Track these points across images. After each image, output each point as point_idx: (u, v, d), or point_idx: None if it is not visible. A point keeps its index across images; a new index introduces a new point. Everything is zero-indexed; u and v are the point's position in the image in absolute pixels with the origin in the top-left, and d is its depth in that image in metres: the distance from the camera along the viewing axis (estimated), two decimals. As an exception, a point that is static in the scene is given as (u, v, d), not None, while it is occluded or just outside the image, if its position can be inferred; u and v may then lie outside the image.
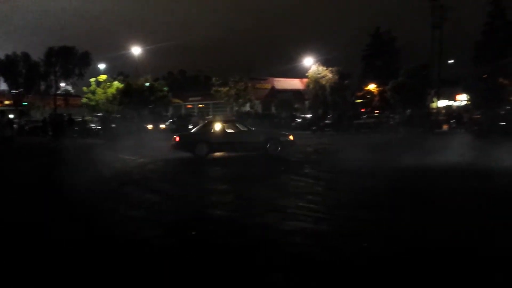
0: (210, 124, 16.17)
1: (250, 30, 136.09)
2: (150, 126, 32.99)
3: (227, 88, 46.24)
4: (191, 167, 13.31)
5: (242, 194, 9.09)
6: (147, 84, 44.78)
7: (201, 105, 61.31)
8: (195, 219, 6.88)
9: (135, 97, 42.45)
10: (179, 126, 40.86)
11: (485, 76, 34.26)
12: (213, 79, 48.03)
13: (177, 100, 57.00)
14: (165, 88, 46.78)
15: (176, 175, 11.82)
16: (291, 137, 15.87)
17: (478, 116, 33.70)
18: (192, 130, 18.35)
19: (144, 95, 43.64)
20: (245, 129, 15.91)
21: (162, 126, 35.03)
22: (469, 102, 39.67)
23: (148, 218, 6.97)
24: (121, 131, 28.18)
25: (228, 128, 15.63)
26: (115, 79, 46.21)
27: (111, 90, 43.97)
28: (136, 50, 48.14)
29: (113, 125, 32.04)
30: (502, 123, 30.71)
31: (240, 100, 47.02)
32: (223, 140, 15.20)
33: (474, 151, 14.59)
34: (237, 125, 16.26)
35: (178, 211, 7.47)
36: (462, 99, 45.58)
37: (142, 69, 48.43)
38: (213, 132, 15.39)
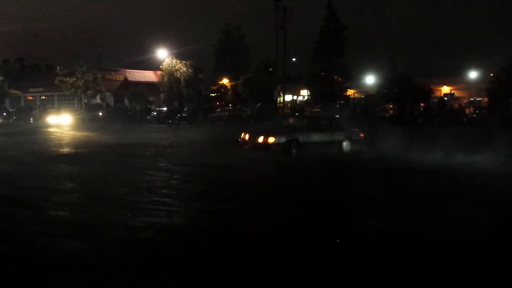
0: None
1: (99, 18, 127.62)
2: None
3: (73, 79, 42.87)
4: (31, 166, 12.11)
5: (89, 192, 8.67)
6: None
7: (44, 97, 55.67)
8: (32, 224, 6.34)
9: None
10: (19, 119, 36.78)
11: (322, 73, 38.30)
12: (58, 68, 44.04)
13: (14, 91, 50.73)
14: (0, 78, 41.39)
15: (10, 175, 10.64)
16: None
17: (318, 109, 37.65)
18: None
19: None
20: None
21: (-4, 119, 30.98)
22: (310, 97, 43.86)
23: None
24: None
25: None
26: None
27: None
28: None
29: None
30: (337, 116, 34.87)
31: (89, 92, 44.07)
32: None
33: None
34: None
35: (10, 216, 6.78)
36: (304, 94, 50.17)
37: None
38: None
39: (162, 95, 45.99)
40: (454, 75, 51.57)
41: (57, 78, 43.30)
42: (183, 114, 35.71)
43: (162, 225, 6.31)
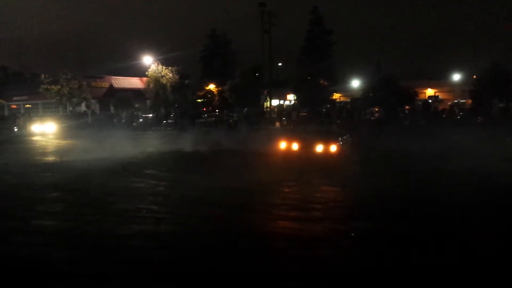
0: None
1: (84, 26, 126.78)
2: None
3: (58, 87, 42.47)
4: (15, 176, 11.93)
5: (74, 201, 8.56)
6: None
7: (28, 105, 54.99)
8: (17, 233, 6.26)
9: None
10: (2, 128, 36.23)
11: (309, 78, 38.54)
12: (42, 76, 43.61)
13: (-2, 100, 50.17)
14: (-18, 87, 40.92)
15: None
16: None
17: (305, 113, 37.84)
18: None
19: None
20: None
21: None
22: (297, 102, 44.06)
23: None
24: None
25: None
26: None
27: None
28: None
29: None
30: (321, 119, 35.02)
31: (74, 99, 43.68)
32: None
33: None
34: None
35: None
36: (291, 98, 50.34)
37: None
38: None
39: (148, 101, 45.82)
40: (438, 78, 52.36)
41: (42, 86, 42.87)
42: (170, 120, 35.59)
43: (150, 233, 6.27)
